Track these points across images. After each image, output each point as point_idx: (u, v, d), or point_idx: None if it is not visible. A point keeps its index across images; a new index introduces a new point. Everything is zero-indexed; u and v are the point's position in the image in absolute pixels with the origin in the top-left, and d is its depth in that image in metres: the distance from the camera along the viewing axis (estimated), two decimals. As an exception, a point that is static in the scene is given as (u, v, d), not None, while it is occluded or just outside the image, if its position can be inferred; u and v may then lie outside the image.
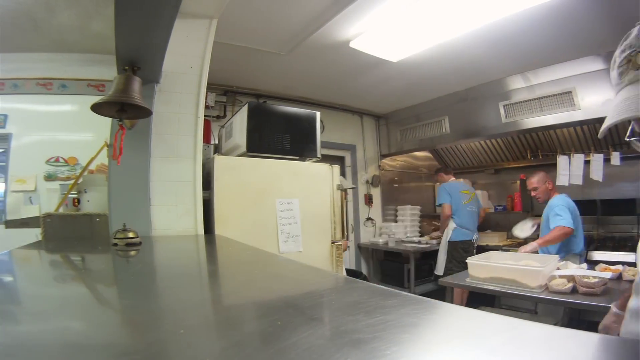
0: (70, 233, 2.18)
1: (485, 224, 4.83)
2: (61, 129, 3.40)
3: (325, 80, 3.94)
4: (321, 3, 2.58)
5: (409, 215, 5.11)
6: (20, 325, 0.63)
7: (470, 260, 2.48)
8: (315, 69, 3.62)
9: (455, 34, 2.85)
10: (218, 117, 3.88)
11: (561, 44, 3.05)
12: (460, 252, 3.79)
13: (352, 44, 3.07)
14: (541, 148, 4.28)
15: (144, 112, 2.04)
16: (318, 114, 2.53)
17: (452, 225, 3.91)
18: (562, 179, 3.78)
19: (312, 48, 3.12)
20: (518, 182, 4.53)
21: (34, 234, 2.19)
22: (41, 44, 3.32)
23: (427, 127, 4.64)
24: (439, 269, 3.92)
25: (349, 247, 4.35)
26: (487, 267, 2.35)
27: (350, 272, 3.51)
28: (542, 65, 3.52)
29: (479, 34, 2.83)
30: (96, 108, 1.95)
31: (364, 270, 4.79)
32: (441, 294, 3.32)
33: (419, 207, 5.19)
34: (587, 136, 3.90)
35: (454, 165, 5.31)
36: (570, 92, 3.44)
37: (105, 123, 2.31)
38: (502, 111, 3.88)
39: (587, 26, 2.76)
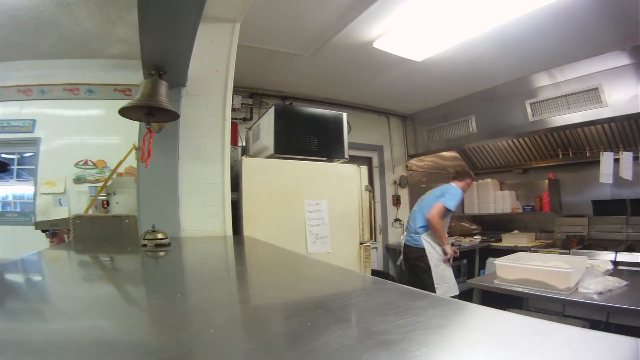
0: (100, 234, 2.20)
1: (513, 225, 4.77)
2: (89, 133, 3.47)
3: (350, 81, 3.93)
4: (343, 4, 2.56)
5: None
6: (51, 323, 0.64)
7: (498, 262, 2.43)
8: (340, 70, 3.61)
9: (478, 32, 2.80)
10: (245, 119, 3.91)
11: (584, 39, 2.98)
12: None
13: (375, 44, 3.05)
14: (569, 146, 4.18)
15: (172, 116, 2.05)
16: (344, 114, 2.52)
17: None
18: (605, 177, 3.63)
19: (335, 49, 3.11)
20: (546, 181, 4.44)
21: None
22: (66, 51, 3.39)
23: (454, 127, 4.58)
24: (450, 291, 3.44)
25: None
26: (514, 269, 2.30)
27: (377, 274, 3.48)
28: (567, 61, 3.44)
29: (502, 30, 2.78)
30: (124, 112, 1.97)
31: (392, 272, 4.75)
32: (468, 296, 3.26)
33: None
34: (615, 133, 3.79)
35: (482, 165, 5.23)
36: (597, 88, 3.35)
37: (133, 127, 2.34)
38: (528, 109, 3.80)
39: (610, 21, 2.69)
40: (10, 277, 1.15)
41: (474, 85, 4.05)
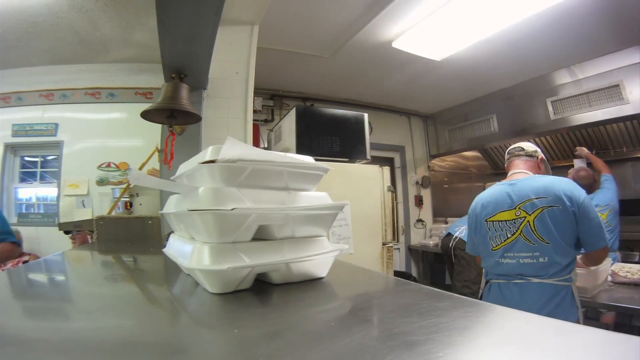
0: (123, 235, 2.23)
1: None
2: (111, 136, 3.52)
3: (370, 82, 3.94)
4: (361, 4, 2.57)
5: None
6: (74, 322, 0.64)
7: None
8: (360, 71, 3.62)
9: (497, 29, 2.78)
10: (266, 120, 3.94)
11: (603, 35, 2.94)
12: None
13: (394, 44, 3.04)
14: (592, 145, 4.10)
15: (194, 118, 2.07)
16: (366, 115, 2.51)
17: None
18: None
19: (354, 50, 3.12)
20: (570, 181, 4.35)
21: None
22: (87, 56, 3.45)
23: (476, 126, 4.55)
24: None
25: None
26: None
27: (399, 274, 3.44)
28: (587, 58, 3.39)
29: (520, 27, 2.76)
30: (146, 115, 1.99)
31: (414, 273, 4.73)
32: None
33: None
34: (638, 131, 3.71)
35: (503, 165, 5.14)
36: (618, 85, 3.29)
37: (155, 129, 2.36)
38: (550, 108, 3.74)
39: (629, 16, 2.64)
40: (36, 276, 1.17)
41: (494, 83, 4.01)
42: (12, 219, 3.75)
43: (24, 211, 3.84)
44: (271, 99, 4.00)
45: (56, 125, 3.57)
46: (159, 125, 2.22)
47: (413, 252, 4.87)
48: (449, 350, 0.41)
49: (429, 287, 0.75)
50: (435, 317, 0.53)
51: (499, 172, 5.28)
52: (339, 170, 2.32)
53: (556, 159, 4.51)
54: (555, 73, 3.69)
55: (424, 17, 2.69)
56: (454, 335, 0.46)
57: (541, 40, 3.02)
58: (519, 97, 4.03)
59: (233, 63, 2.47)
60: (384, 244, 2.36)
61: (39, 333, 0.56)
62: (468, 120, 4.63)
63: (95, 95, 3.52)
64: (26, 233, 3.56)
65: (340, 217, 2.26)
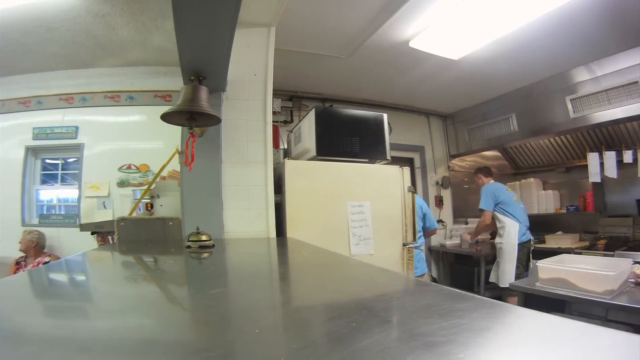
0: (144, 236, 2.25)
1: (556, 226, 4.61)
2: (131, 138, 3.57)
3: (388, 82, 3.93)
4: (376, 4, 2.56)
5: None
6: (96, 321, 0.65)
7: (540, 264, 2.36)
8: (377, 71, 3.61)
9: (513, 26, 2.75)
10: (285, 122, 3.98)
11: (621, 30, 2.88)
12: (526, 255, 3.61)
13: (411, 44, 3.03)
14: (612, 144, 4.03)
15: (213, 120, 2.07)
16: (385, 115, 2.50)
17: (514, 225, 3.72)
18: (594, 177, 3.67)
19: (372, 50, 3.11)
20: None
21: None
22: (105, 60, 3.51)
23: (495, 126, 4.51)
24: (507, 279, 3.57)
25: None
26: (556, 271, 2.23)
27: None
28: (605, 54, 3.33)
29: (537, 24, 2.72)
30: (166, 117, 1.99)
31: (434, 274, 4.71)
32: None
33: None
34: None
35: (524, 165, 5.11)
36: (637, 82, 3.23)
37: (175, 131, 2.38)
38: (569, 106, 3.69)
39: None
40: (58, 276, 1.20)
41: (512, 82, 3.97)
42: (33, 219, 3.84)
43: (45, 212, 3.92)
44: (290, 100, 4.02)
45: (76, 128, 3.64)
46: (179, 128, 2.23)
47: (433, 252, 4.85)
48: (469, 352, 0.41)
49: (449, 287, 0.75)
50: (455, 318, 0.53)
51: (520, 171, 5.23)
52: (359, 171, 2.32)
53: (576, 158, 4.44)
54: (574, 70, 3.63)
55: (439, 16, 2.67)
56: (475, 337, 0.47)
57: (558, 37, 2.98)
58: (538, 96, 3.98)
59: (251, 65, 2.48)
60: (404, 244, 2.35)
61: (60, 332, 0.57)
62: (487, 120, 4.59)
63: (114, 98, 3.58)
64: (47, 233, 3.63)
65: (361, 217, 2.26)
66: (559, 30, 2.85)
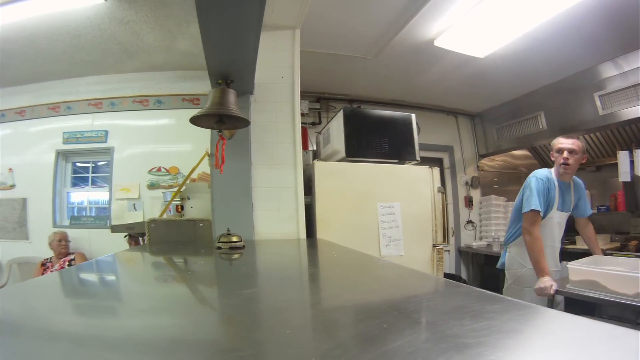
0: (174, 237, 2.28)
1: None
2: (161, 141, 3.65)
3: (415, 82, 3.91)
4: (399, 3, 2.55)
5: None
6: (127, 320, 0.67)
7: (571, 265, 2.31)
8: (403, 71, 3.60)
9: (538, 21, 2.70)
10: (313, 123, 4.01)
11: None
12: None
13: (436, 42, 3.01)
14: (640, 141, 3.91)
15: (242, 122, 2.09)
16: (413, 116, 2.49)
17: None
18: (624, 176, 3.50)
19: (397, 50, 3.10)
20: (622, 178, 4.15)
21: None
22: (132, 65, 3.59)
23: (524, 124, 4.41)
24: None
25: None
26: (585, 273, 2.18)
27: (450, 277, 3.39)
28: (631, 49, 3.21)
29: (561, 18, 2.66)
30: (195, 120, 2.01)
31: (464, 275, 4.66)
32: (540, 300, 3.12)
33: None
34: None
35: (553, 163, 4.96)
36: (666, 76, 3.12)
37: (203, 134, 2.41)
38: (598, 102, 3.59)
39: None
40: (89, 276, 1.22)
41: (540, 79, 3.88)
42: (64, 221, 3.95)
43: (75, 214, 4.04)
44: (317, 101, 4.05)
45: (106, 132, 3.74)
46: (207, 130, 2.26)
47: (463, 254, 4.77)
48: (500, 354, 0.41)
49: (480, 289, 0.75)
50: (487, 319, 0.53)
51: None
52: (388, 171, 2.32)
53: (607, 156, 4.31)
54: (600, 66, 3.52)
55: (463, 13, 2.65)
56: (506, 339, 0.47)
57: (583, 31, 2.89)
58: (566, 93, 3.88)
59: (278, 67, 2.50)
60: (434, 245, 2.34)
61: (93, 330, 0.59)
62: (516, 118, 4.49)
63: (142, 102, 3.65)
64: (78, 234, 3.74)
65: (391, 218, 2.25)
66: (584, 24, 2.78)
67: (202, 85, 3.41)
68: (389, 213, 2.25)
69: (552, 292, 2.22)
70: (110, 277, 1.25)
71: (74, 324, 0.64)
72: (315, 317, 0.67)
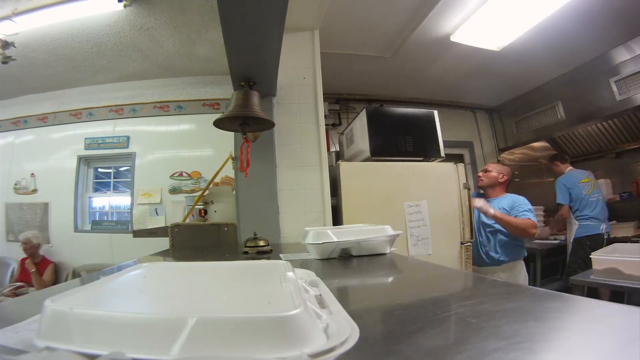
0: (198, 242, 2.26)
1: (610, 215, 4.41)
2: (182, 146, 3.68)
3: (432, 78, 3.91)
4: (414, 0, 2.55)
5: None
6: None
7: (595, 256, 2.28)
8: (421, 68, 3.61)
9: (549, 10, 2.69)
10: (334, 125, 4.02)
11: None
12: (587, 249, 3.47)
13: (452, 38, 3.01)
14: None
15: (267, 124, 2.08)
16: (436, 112, 2.47)
17: (573, 221, 3.60)
18: None
19: (414, 48, 3.11)
20: (642, 163, 4.05)
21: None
22: (152, 72, 3.63)
23: (542, 115, 4.38)
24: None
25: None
26: (609, 262, 2.14)
27: None
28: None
29: (573, 5, 2.64)
30: (219, 123, 2.00)
31: None
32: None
33: (542, 207, 4.62)
34: None
35: (573, 153, 4.89)
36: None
37: (224, 138, 2.43)
38: (614, 88, 3.53)
39: None
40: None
41: (555, 68, 3.86)
42: (86, 226, 4.02)
43: (97, 219, 4.10)
44: (337, 103, 4.06)
45: (127, 137, 3.79)
46: (229, 134, 2.25)
47: None
48: (577, 354, 0.40)
49: (535, 287, 0.72)
50: (551, 320, 0.52)
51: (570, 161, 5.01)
52: (414, 170, 2.31)
53: (626, 142, 4.22)
54: (613, 51, 3.47)
55: (478, 7, 2.65)
56: (578, 339, 0.45)
57: (593, 17, 2.87)
58: (582, 81, 3.83)
59: (299, 69, 2.50)
60: (462, 243, 2.32)
61: None
62: (534, 110, 4.46)
63: (163, 108, 3.69)
64: (99, 239, 3.80)
65: (418, 217, 2.24)
66: (593, 10, 2.77)
67: (222, 91, 3.44)
68: (416, 212, 2.24)
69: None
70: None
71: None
72: (363, 327, 0.59)
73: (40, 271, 3.48)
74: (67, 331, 0.37)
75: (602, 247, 3.50)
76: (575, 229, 3.62)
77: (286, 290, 0.52)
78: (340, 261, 1.31)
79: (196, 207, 2.71)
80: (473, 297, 0.74)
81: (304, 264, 1.29)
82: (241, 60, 1.91)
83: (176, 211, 3.38)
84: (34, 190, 4.00)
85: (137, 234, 3.07)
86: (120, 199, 4.05)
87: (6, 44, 2.84)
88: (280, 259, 1.67)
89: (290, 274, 0.64)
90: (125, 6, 2.58)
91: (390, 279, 1.08)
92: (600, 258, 2.24)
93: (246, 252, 1.67)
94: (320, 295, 0.64)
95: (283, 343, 0.35)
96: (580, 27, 3.01)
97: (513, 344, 0.43)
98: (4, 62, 2.89)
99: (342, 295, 0.90)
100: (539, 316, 0.54)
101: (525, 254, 2.70)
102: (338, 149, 3.01)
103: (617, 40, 3.33)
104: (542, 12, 2.71)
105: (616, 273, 2.11)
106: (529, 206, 2.60)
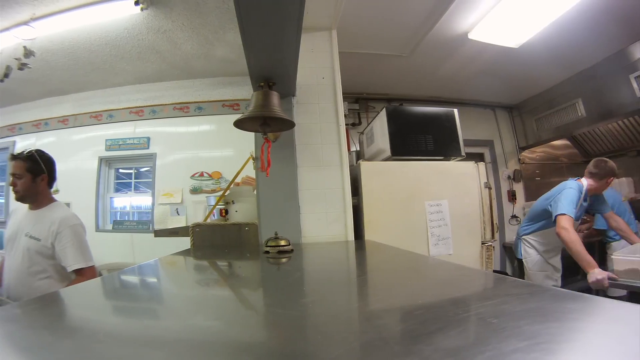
0: (219, 242, 2.28)
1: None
2: (202, 147, 3.74)
3: (451, 77, 3.88)
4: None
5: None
6: (167, 321, 0.68)
7: (615, 256, 2.25)
8: (439, 67, 3.60)
9: (567, 6, 2.65)
10: (353, 124, 4.03)
11: None
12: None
13: (470, 35, 2.99)
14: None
15: (287, 125, 2.08)
16: (456, 111, 2.46)
17: None
18: None
19: (432, 46, 3.10)
20: (665, 162, 3.95)
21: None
22: (172, 73, 3.68)
23: (562, 113, 4.31)
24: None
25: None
26: (630, 262, 2.13)
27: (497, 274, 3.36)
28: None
29: (589, 1, 2.61)
30: (239, 124, 2.01)
31: (509, 271, 4.57)
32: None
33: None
34: None
35: (594, 152, 4.81)
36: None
37: (244, 139, 2.45)
38: (634, 84, 3.46)
39: None
40: (132, 279, 1.24)
41: (574, 65, 3.79)
42: (107, 225, 4.10)
43: (118, 219, 4.18)
44: (356, 102, 4.07)
45: (148, 138, 3.86)
46: (249, 135, 2.26)
47: (507, 249, 4.65)
48: (597, 356, 0.40)
49: (556, 288, 0.72)
50: (571, 321, 0.52)
51: (590, 159, 4.87)
52: (435, 169, 2.31)
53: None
54: (632, 46, 3.39)
55: (496, 3, 2.63)
56: (598, 340, 0.45)
57: (611, 12, 2.82)
58: (601, 77, 3.75)
59: (318, 68, 2.51)
60: (483, 242, 2.31)
61: (132, 330, 0.61)
62: (554, 107, 4.38)
63: (183, 109, 3.75)
64: (120, 238, 3.86)
65: (439, 217, 2.24)
66: (611, 5, 2.72)
67: (242, 91, 3.48)
68: (437, 211, 2.24)
69: (606, 283, 2.19)
70: (155, 281, 1.26)
71: (114, 324, 0.66)
72: (383, 326, 0.61)
73: None
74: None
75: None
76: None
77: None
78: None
79: (217, 206, 2.75)
80: (494, 297, 0.75)
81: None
82: (260, 61, 1.91)
83: (197, 211, 3.43)
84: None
85: (158, 233, 3.11)
86: (141, 199, 4.12)
87: (29, 53, 2.92)
88: (303, 258, 1.69)
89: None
90: (142, 9, 2.62)
91: (410, 279, 1.08)
92: (622, 258, 2.22)
93: (267, 252, 1.68)
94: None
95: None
96: (599, 23, 2.96)
97: (533, 345, 0.43)
98: (20, 69, 2.96)
99: (363, 294, 0.93)
100: (559, 317, 0.54)
101: None
102: (358, 149, 3.02)
103: (637, 36, 3.25)
104: (561, 7, 2.68)
105: (637, 274, 2.09)
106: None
